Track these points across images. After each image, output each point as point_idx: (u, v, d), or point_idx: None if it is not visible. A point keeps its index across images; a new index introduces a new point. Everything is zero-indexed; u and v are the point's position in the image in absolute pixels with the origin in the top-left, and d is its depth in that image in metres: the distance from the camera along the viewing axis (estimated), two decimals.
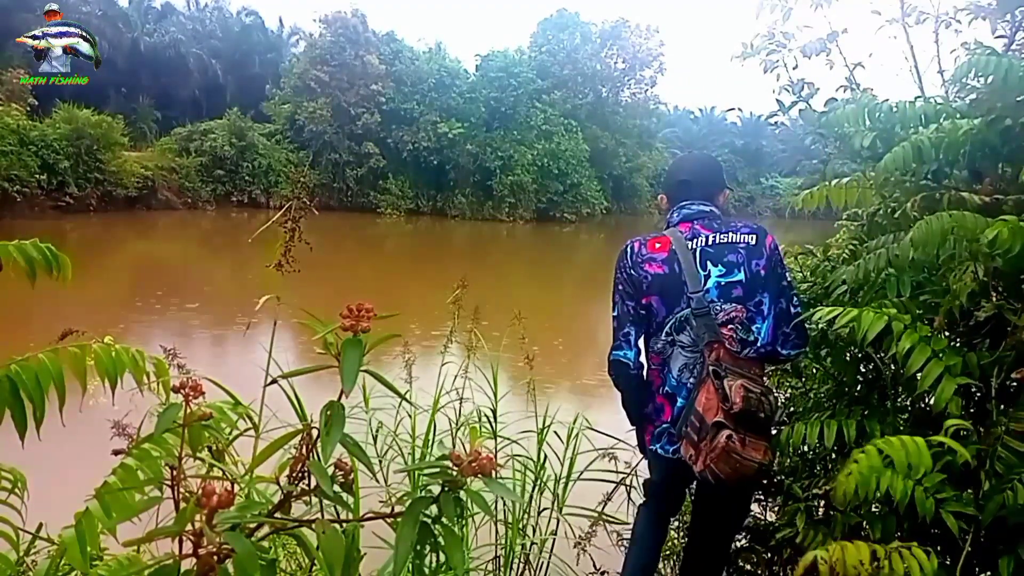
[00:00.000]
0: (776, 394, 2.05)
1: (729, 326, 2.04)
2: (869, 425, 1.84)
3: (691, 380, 2.08)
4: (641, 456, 2.60)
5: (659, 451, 2.19)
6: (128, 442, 1.27)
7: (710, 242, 2.10)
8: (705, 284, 2.06)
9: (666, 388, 2.15)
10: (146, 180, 25.67)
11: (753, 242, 2.10)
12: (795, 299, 2.13)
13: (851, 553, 1.27)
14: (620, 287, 2.18)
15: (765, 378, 2.15)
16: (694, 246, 2.10)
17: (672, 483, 2.28)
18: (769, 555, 2.46)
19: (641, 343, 2.22)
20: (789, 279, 2.16)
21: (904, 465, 1.41)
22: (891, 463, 1.39)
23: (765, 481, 2.40)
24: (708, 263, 2.08)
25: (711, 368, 1.97)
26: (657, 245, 2.14)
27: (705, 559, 2.35)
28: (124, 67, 31.58)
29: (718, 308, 2.05)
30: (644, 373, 2.23)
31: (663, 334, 2.12)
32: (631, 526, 2.86)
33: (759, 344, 2.06)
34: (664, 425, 2.16)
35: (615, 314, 2.20)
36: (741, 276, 2.06)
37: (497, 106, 33.13)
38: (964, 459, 1.50)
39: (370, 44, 31.94)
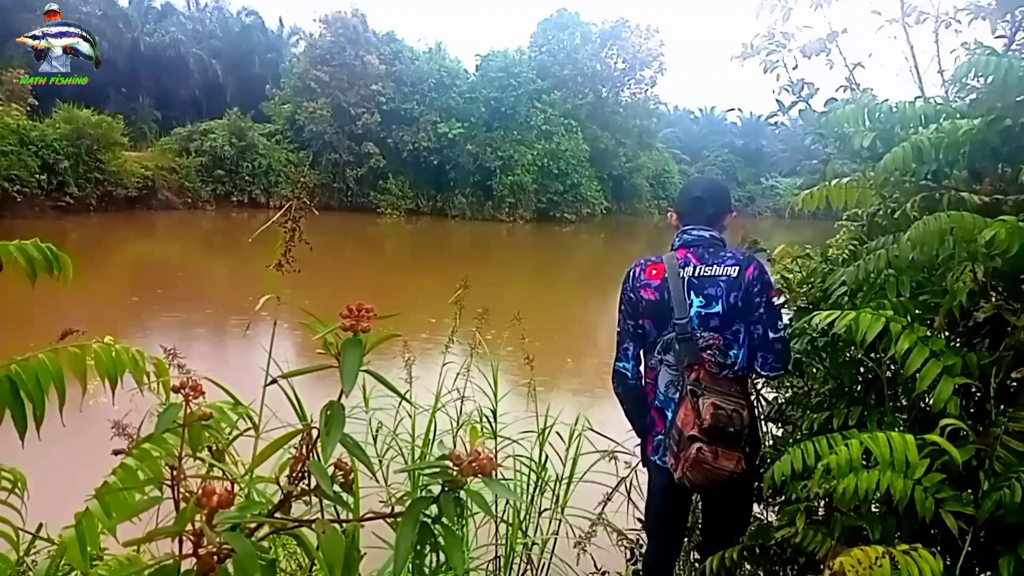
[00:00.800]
0: (746, 411, 2.17)
1: (708, 351, 2.21)
2: (870, 424, 1.85)
3: (676, 396, 2.26)
4: (641, 459, 2.70)
5: (658, 462, 2.36)
6: (128, 442, 1.27)
7: (697, 273, 2.24)
8: (689, 312, 2.21)
9: (656, 402, 2.34)
10: (146, 180, 25.64)
11: (735, 275, 2.21)
12: (778, 323, 2.22)
13: (866, 557, 1.28)
14: (622, 306, 2.36)
15: (753, 391, 2.33)
16: (684, 275, 2.24)
17: (675, 492, 2.36)
18: (769, 555, 2.45)
19: (642, 354, 2.39)
20: (772, 303, 2.23)
21: (887, 461, 1.42)
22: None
23: (757, 483, 2.40)
24: (692, 293, 2.23)
25: (689, 388, 2.16)
26: (653, 272, 2.30)
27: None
28: (124, 67, 31.56)
29: (699, 335, 2.21)
30: (643, 383, 2.39)
31: (654, 352, 2.32)
32: (630, 527, 2.87)
33: (737, 367, 2.23)
34: (659, 437, 2.34)
35: (618, 328, 2.38)
36: (719, 308, 2.20)
37: (497, 106, 33.11)
38: (964, 459, 1.51)
39: (370, 44, 31.93)
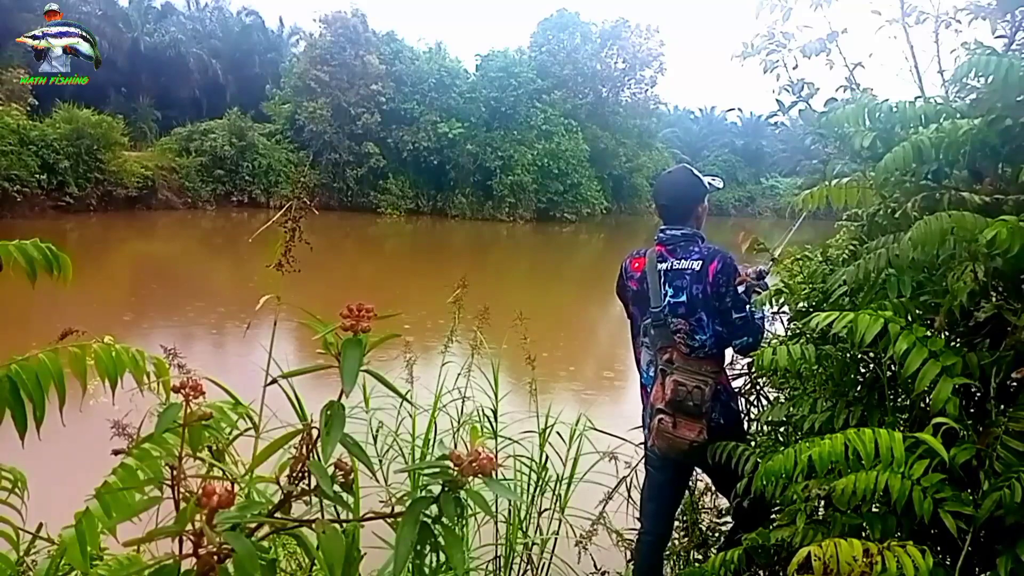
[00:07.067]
0: (709, 388, 2.39)
1: (679, 335, 2.47)
2: (870, 424, 1.84)
3: (652, 373, 2.54)
4: (642, 455, 2.85)
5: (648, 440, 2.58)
6: (128, 442, 1.27)
7: (670, 267, 2.52)
8: (663, 301, 2.49)
9: (643, 380, 2.64)
10: (146, 180, 25.63)
11: (698, 268, 2.46)
12: (743, 307, 2.43)
13: (844, 550, 1.27)
14: (618, 293, 2.74)
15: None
16: (660, 268, 2.53)
17: (659, 470, 2.60)
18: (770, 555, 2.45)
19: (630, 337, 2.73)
20: (738, 290, 2.44)
21: (871, 458, 1.42)
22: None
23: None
24: (667, 284, 2.51)
25: (661, 368, 2.46)
26: (636, 265, 2.62)
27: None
28: (124, 67, 31.57)
29: (671, 320, 2.48)
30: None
31: (639, 335, 2.63)
32: (630, 527, 2.87)
33: (707, 349, 2.46)
34: (647, 415, 2.57)
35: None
36: (684, 298, 2.47)
37: (497, 106, 33.10)
38: (964, 459, 1.50)
39: (370, 44, 31.92)
